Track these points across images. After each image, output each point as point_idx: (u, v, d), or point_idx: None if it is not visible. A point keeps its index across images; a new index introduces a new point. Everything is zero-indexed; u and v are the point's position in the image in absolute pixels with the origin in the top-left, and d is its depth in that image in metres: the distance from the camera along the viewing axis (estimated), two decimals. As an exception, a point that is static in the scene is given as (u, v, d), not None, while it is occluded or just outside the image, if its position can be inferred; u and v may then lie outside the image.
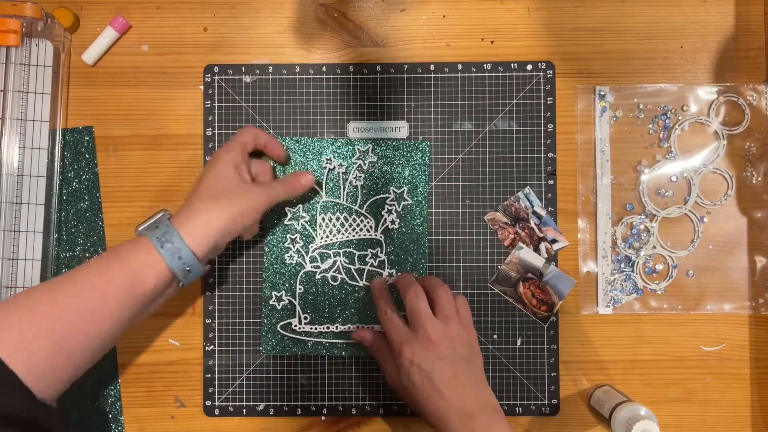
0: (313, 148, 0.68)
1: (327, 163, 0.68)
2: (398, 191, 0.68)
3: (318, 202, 0.68)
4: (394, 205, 0.68)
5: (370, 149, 0.68)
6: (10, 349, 0.50)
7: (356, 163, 0.68)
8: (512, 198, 0.68)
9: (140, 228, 0.57)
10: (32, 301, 0.52)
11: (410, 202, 0.68)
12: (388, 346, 0.62)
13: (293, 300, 0.68)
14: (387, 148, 0.68)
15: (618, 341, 0.68)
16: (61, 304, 0.52)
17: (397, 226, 0.68)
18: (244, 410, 0.67)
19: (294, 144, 0.68)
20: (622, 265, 0.68)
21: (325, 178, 0.68)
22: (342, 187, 0.68)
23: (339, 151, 0.68)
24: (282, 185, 0.63)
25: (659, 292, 0.68)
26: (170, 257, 0.55)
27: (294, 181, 0.64)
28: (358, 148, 0.68)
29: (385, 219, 0.68)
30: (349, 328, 0.67)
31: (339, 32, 0.69)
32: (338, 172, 0.68)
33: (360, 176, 0.68)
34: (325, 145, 0.68)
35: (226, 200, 0.58)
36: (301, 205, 0.68)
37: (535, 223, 0.68)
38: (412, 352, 0.58)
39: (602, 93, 0.68)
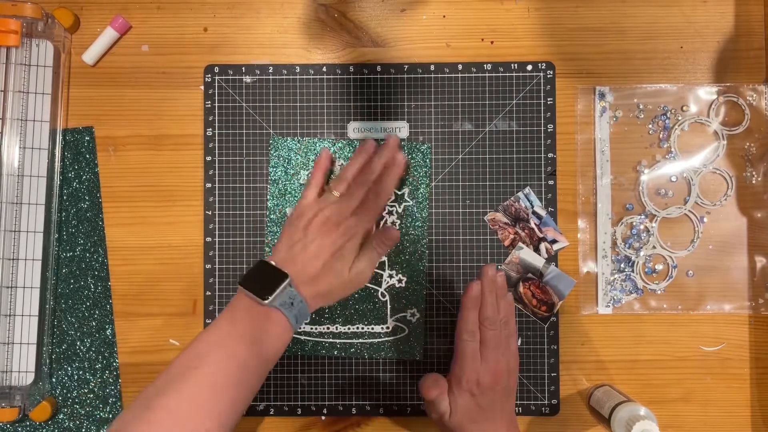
0: (314, 149, 0.68)
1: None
2: (399, 192, 0.68)
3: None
4: (394, 206, 0.68)
5: (371, 150, 0.68)
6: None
7: (357, 163, 0.68)
8: (512, 198, 0.68)
9: (274, 301, 0.57)
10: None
11: (411, 203, 0.68)
12: (445, 388, 0.61)
13: (293, 300, 0.68)
14: (387, 149, 0.68)
15: (618, 341, 0.68)
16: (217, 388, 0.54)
17: (397, 227, 0.68)
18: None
19: (295, 145, 0.68)
20: (622, 265, 0.68)
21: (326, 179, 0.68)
22: (342, 188, 0.68)
23: (340, 152, 0.68)
24: (381, 248, 0.63)
25: (659, 292, 0.68)
26: (297, 326, 0.59)
27: (388, 238, 0.63)
28: (358, 149, 0.68)
29: (386, 220, 0.68)
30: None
31: (339, 32, 0.69)
32: (338, 173, 0.68)
33: (360, 177, 0.68)
34: (326, 146, 0.68)
35: (349, 287, 0.62)
36: (301, 206, 0.68)
37: (535, 224, 0.68)
38: (479, 383, 0.59)
39: (602, 93, 0.68)
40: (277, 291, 0.57)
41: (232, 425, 0.54)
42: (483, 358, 0.59)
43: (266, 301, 0.56)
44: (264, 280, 0.58)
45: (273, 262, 0.59)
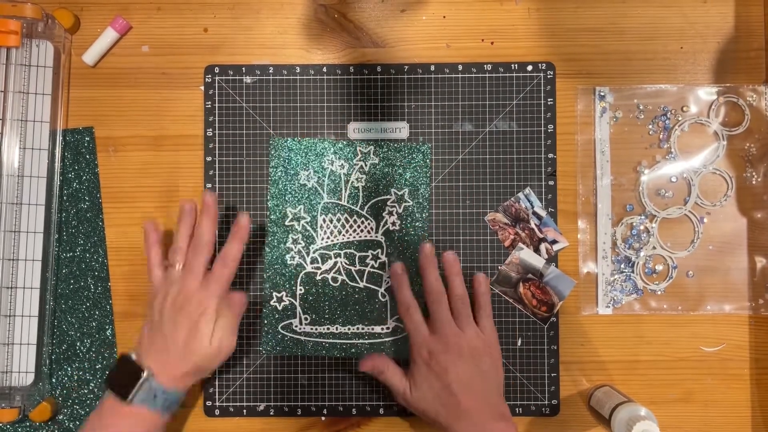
0: (314, 150, 0.68)
1: (329, 164, 0.68)
2: (399, 193, 0.68)
3: (319, 203, 0.68)
4: (395, 206, 0.68)
5: (372, 151, 0.68)
6: None
7: (358, 164, 0.68)
8: (512, 199, 0.68)
9: (135, 400, 0.56)
10: None
11: (411, 204, 0.68)
12: (392, 365, 0.63)
13: (294, 301, 0.68)
14: (388, 150, 0.68)
15: (618, 342, 0.68)
16: None
17: (398, 228, 0.68)
18: (245, 410, 0.68)
19: (296, 145, 0.68)
20: (622, 266, 0.68)
21: (326, 180, 0.68)
22: (343, 189, 0.68)
23: (340, 152, 0.68)
24: (233, 313, 0.61)
25: (659, 292, 0.68)
26: (169, 412, 0.59)
27: (236, 304, 0.62)
28: (359, 150, 0.68)
29: (386, 220, 0.68)
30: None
31: (339, 33, 0.69)
32: (339, 174, 0.68)
33: (361, 178, 0.68)
34: (326, 146, 0.68)
35: (217, 359, 0.61)
36: (302, 206, 0.68)
37: (535, 224, 0.68)
38: (430, 352, 0.60)
39: (602, 94, 0.68)
40: (136, 389, 0.56)
41: None
42: (433, 331, 0.61)
43: (127, 401, 0.56)
44: (123, 377, 0.57)
45: (134, 356, 0.58)
